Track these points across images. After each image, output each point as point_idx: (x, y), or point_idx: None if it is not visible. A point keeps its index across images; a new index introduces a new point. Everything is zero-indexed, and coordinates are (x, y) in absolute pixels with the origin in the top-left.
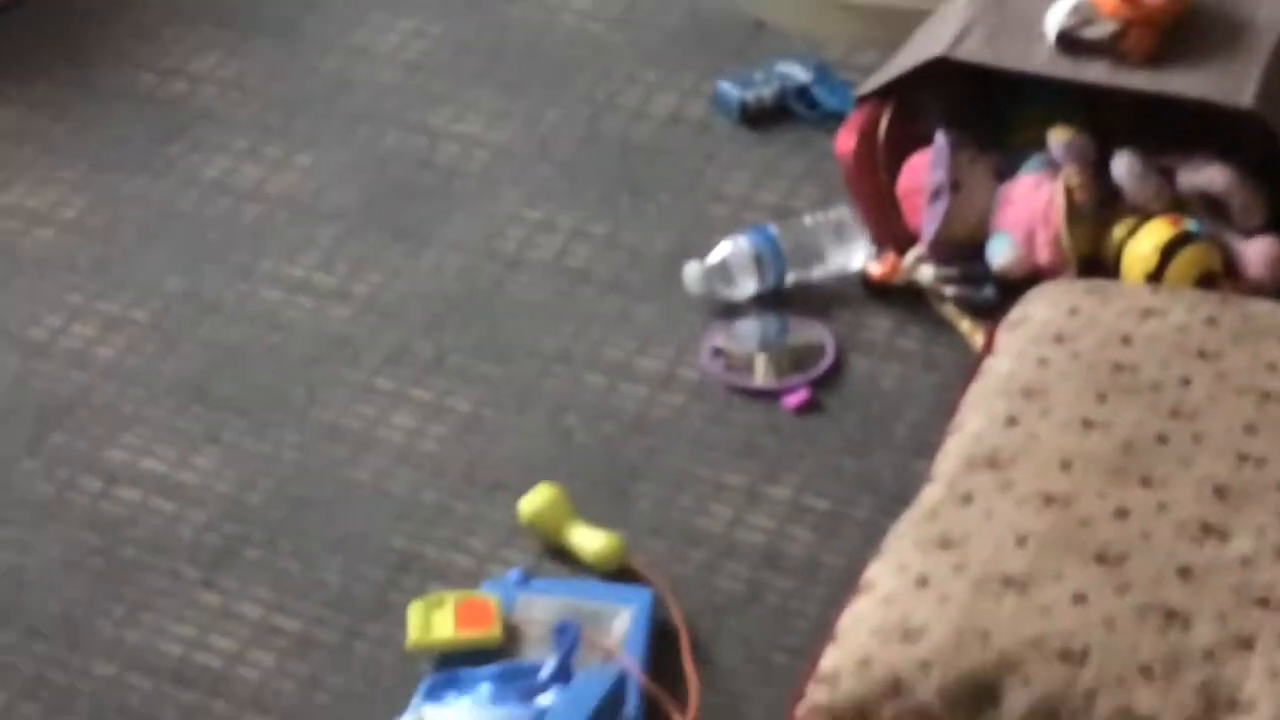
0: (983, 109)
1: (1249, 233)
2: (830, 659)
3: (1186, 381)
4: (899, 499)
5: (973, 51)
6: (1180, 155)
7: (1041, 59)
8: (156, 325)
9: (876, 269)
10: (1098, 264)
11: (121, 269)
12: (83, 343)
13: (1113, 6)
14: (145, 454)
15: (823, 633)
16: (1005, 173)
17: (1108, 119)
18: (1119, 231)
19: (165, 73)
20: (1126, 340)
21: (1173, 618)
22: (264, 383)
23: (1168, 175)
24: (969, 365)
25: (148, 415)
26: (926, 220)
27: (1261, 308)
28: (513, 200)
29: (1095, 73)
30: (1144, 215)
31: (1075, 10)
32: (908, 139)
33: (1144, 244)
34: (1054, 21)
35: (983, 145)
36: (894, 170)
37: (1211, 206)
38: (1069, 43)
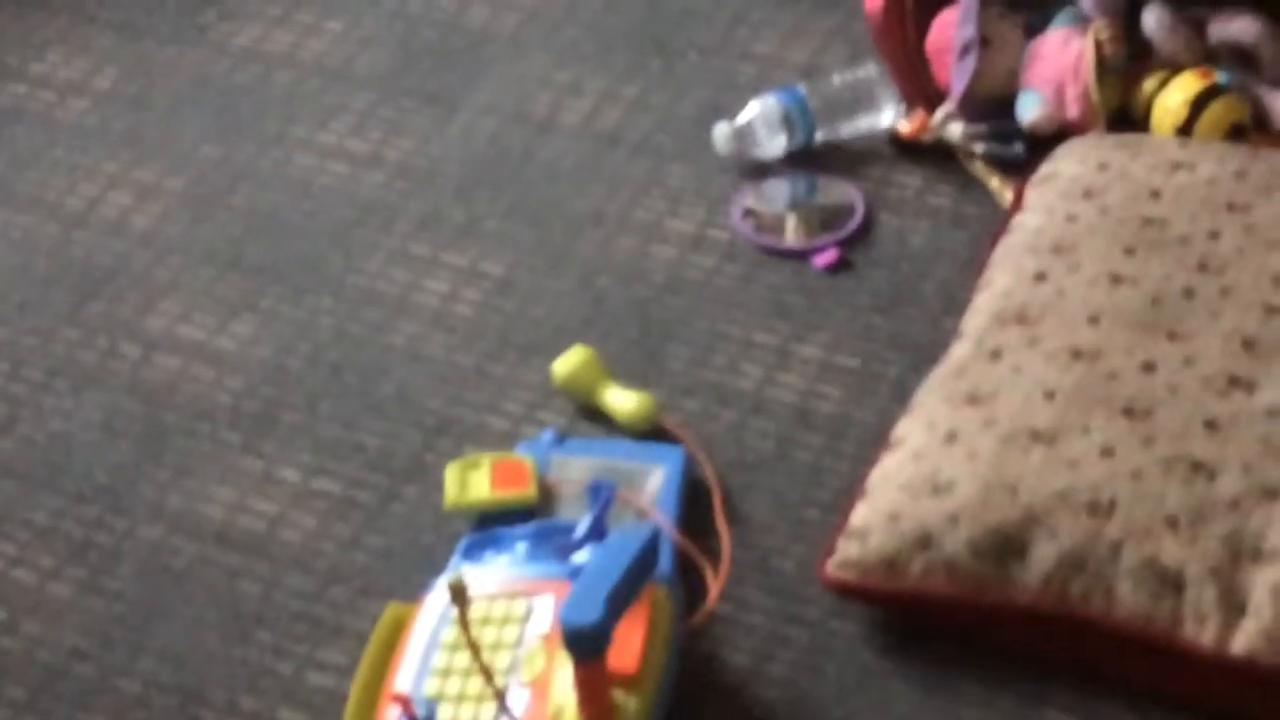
0: None
1: (1279, 84)
2: (860, 514)
3: (1215, 235)
4: (928, 356)
5: None
6: (1210, 7)
7: None
8: (192, 193)
9: (905, 127)
10: (1127, 118)
11: (156, 138)
12: (119, 211)
13: None
14: (184, 321)
15: (853, 489)
16: (1035, 28)
17: None
18: (1149, 85)
19: None
20: (1155, 194)
21: (1199, 469)
22: (299, 249)
23: (1198, 27)
24: (998, 222)
25: (185, 283)
26: (955, 77)
27: None
28: (542, 63)
29: None
30: (1174, 68)
31: None
32: None
33: (1173, 97)
34: None
35: (1012, 0)
36: (923, 27)
37: (1242, 58)
38: None
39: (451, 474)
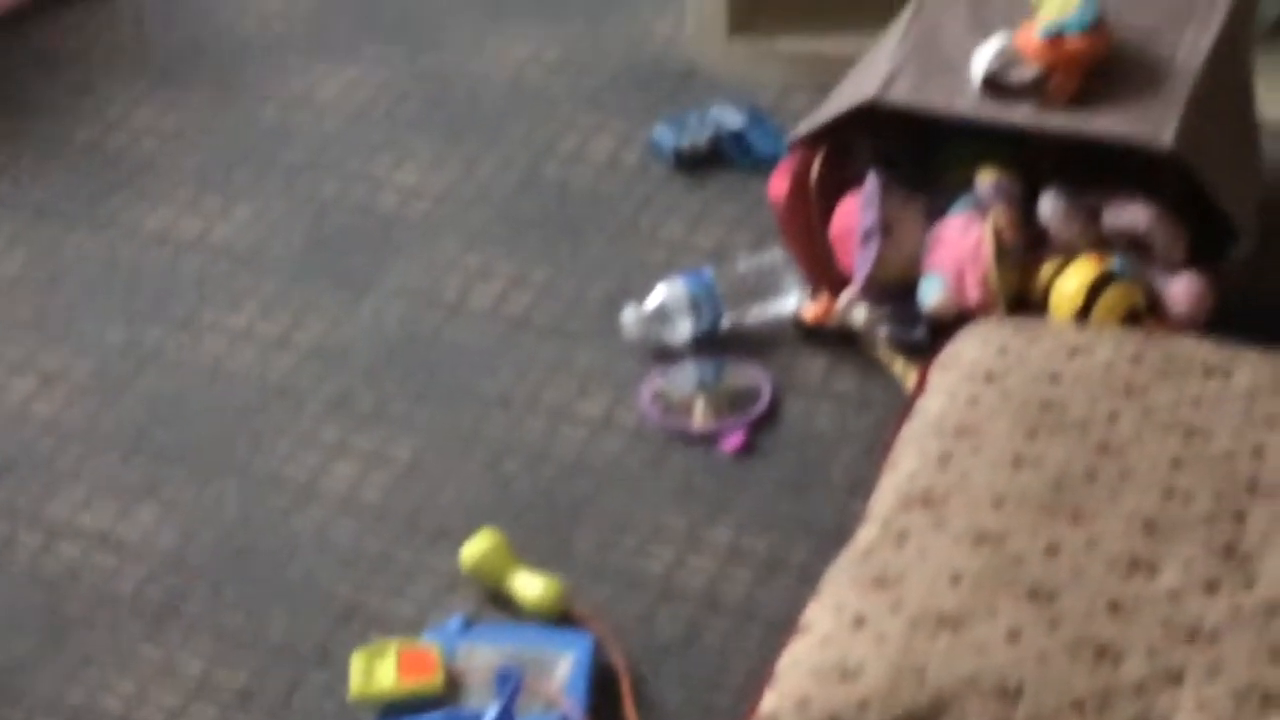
0: (914, 150)
1: (1172, 270)
2: (769, 700)
3: (1114, 418)
4: (836, 539)
5: (902, 96)
6: (1105, 194)
7: (968, 102)
8: (97, 378)
9: (810, 311)
10: (1026, 302)
11: (62, 322)
12: (22, 398)
13: (1036, 50)
14: (86, 509)
15: (762, 674)
16: (936, 213)
17: (1035, 158)
18: (1046, 270)
19: (106, 125)
20: (1055, 378)
21: (1104, 653)
22: (206, 433)
23: (1092, 215)
24: (902, 405)
25: (88, 470)
26: (859, 262)
27: (1185, 344)
28: (452, 247)
29: (1021, 115)
30: (1070, 254)
31: (1000, 54)
32: (840, 182)
33: (1070, 283)
34: (980, 66)
35: (913, 186)
36: (827, 214)
37: (1135, 245)
38: (995, 86)
39: (357, 663)
